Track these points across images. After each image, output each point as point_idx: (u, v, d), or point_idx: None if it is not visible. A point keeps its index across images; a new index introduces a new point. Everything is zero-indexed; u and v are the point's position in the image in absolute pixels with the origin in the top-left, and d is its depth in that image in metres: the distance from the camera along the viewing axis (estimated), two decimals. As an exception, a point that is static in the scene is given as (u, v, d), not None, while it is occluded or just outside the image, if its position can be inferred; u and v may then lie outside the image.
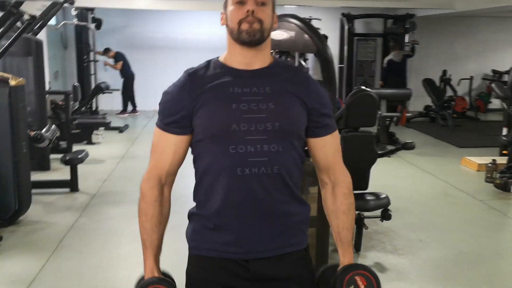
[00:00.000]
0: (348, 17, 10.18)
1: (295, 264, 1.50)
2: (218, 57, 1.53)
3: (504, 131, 6.27)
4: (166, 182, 1.50)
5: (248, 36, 1.41)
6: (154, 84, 11.15)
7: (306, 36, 3.05)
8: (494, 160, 5.68)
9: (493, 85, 6.19)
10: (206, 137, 1.43)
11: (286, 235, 1.48)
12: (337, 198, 1.51)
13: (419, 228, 4.28)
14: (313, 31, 3.03)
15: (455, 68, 10.96)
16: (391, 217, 3.77)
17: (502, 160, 5.83)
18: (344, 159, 1.57)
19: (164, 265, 1.51)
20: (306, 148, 1.54)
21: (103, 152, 6.93)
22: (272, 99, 1.43)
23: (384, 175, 5.44)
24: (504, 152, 5.99)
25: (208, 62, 1.52)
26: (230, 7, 1.44)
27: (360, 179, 3.48)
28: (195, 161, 1.50)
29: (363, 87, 3.63)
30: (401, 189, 5.35)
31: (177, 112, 1.44)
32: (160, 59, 10.96)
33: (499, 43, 11.32)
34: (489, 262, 3.72)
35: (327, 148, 1.53)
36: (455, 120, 9.24)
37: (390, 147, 6.72)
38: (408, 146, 3.61)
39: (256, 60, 1.46)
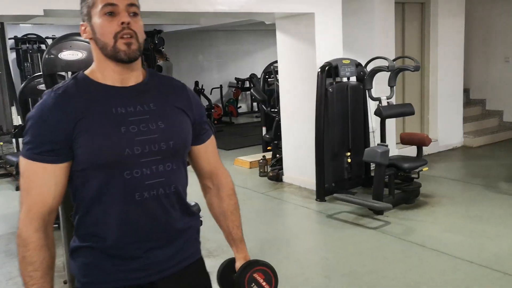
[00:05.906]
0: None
1: (196, 274, 1.53)
2: (83, 72, 1.39)
3: (264, 130, 7.12)
4: (49, 220, 1.33)
5: (126, 54, 1.33)
6: None
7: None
8: (264, 156, 6.40)
9: (252, 90, 6.95)
10: (95, 165, 1.31)
11: (185, 248, 1.49)
12: (223, 200, 1.60)
13: (223, 228, 4.56)
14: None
15: (205, 78, 11.85)
16: (202, 223, 3.94)
17: (268, 156, 6.62)
18: None
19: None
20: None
21: None
22: (159, 117, 1.39)
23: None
24: (269, 148, 6.79)
25: (75, 78, 1.37)
26: (98, 20, 1.32)
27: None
28: (76, 191, 1.36)
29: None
30: (192, 196, 5.56)
31: (55, 138, 1.28)
32: None
33: (235, 53, 12.67)
34: (286, 243, 4.23)
35: (209, 152, 1.57)
36: (216, 126, 10.02)
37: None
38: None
39: (131, 75, 1.39)
